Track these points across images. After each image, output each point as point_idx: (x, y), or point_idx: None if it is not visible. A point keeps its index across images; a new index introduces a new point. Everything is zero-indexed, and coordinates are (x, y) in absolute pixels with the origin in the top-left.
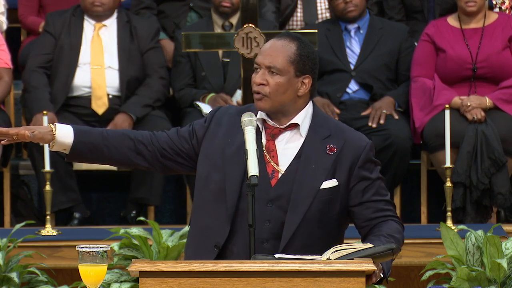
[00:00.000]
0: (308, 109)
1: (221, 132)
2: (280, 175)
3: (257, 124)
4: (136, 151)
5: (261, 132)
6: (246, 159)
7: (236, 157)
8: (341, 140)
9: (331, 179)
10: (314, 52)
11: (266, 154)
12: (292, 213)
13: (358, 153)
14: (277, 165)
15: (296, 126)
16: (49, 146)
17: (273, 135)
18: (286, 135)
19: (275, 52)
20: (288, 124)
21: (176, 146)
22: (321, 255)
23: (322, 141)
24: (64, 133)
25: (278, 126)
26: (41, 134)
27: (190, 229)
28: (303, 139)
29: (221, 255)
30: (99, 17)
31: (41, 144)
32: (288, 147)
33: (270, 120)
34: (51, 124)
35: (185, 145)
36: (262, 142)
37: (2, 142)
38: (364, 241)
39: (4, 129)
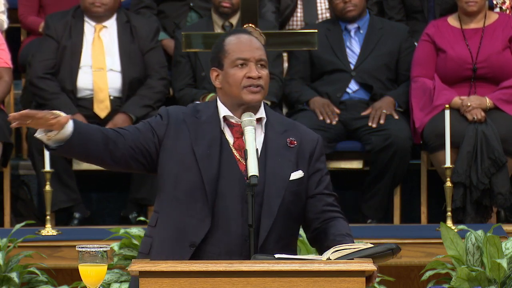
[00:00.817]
0: (262, 105)
1: (185, 131)
2: None
3: (220, 123)
4: (106, 148)
5: (223, 130)
6: (246, 159)
7: (208, 156)
8: (298, 134)
9: (296, 170)
10: None
11: (235, 152)
12: (267, 208)
13: (313, 146)
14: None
15: (258, 121)
16: (48, 137)
17: (242, 132)
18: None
19: (258, 46)
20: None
21: (141, 144)
22: (291, 247)
23: (281, 135)
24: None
25: None
26: (63, 119)
27: (157, 227)
28: (263, 134)
29: (196, 254)
30: (99, 18)
31: (43, 132)
32: (254, 144)
33: (235, 118)
34: (59, 112)
35: (149, 143)
36: (228, 141)
37: (13, 125)
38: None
39: (32, 112)
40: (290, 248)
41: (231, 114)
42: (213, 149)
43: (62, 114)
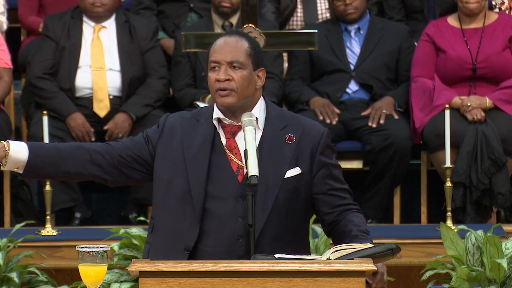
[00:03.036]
0: (262, 102)
1: (177, 136)
2: (245, 170)
3: (214, 125)
4: (92, 161)
5: (218, 132)
6: (246, 159)
7: (197, 159)
8: (299, 128)
9: (294, 167)
10: (260, 46)
11: (228, 152)
12: (261, 206)
13: (317, 139)
14: (241, 161)
15: None
16: (0, 165)
17: (233, 132)
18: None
19: (233, 47)
20: None
21: (133, 152)
22: (290, 246)
23: (280, 132)
24: (18, 149)
25: (236, 124)
26: None
27: (154, 233)
28: (261, 132)
29: (192, 257)
30: (99, 18)
31: None
32: (247, 141)
33: (227, 119)
34: (2, 141)
35: (142, 151)
36: (222, 142)
37: None
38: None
39: None
40: (290, 247)
41: (222, 116)
42: (203, 151)
43: (7, 142)
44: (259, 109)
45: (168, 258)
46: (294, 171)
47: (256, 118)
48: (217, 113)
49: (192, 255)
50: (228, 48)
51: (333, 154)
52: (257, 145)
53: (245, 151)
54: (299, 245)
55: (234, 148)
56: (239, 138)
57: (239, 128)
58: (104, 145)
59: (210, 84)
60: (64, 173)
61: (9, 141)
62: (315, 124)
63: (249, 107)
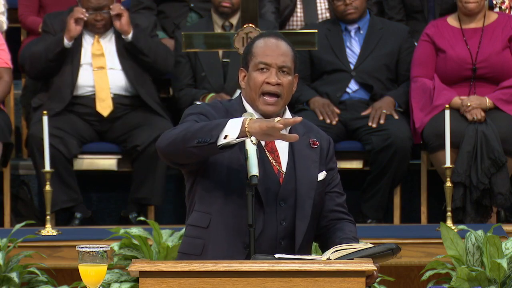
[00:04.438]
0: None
1: None
2: (284, 174)
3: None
4: None
5: None
6: (246, 159)
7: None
8: (317, 134)
9: (321, 171)
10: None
11: (268, 155)
12: (301, 210)
13: (327, 146)
14: (280, 164)
15: None
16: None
17: None
18: None
19: (284, 51)
20: None
21: None
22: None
23: (303, 137)
24: None
25: None
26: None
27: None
28: None
29: (248, 256)
30: (98, 33)
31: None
32: (280, 146)
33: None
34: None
35: None
36: (261, 143)
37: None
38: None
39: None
40: (311, 247)
41: (259, 116)
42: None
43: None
44: (289, 113)
45: (227, 254)
46: (322, 175)
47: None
48: (255, 113)
49: (248, 253)
50: (279, 52)
51: (335, 160)
52: (288, 149)
53: (245, 151)
54: (311, 245)
55: (275, 151)
56: (277, 141)
57: None
58: None
59: (255, 84)
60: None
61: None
62: (322, 131)
63: (283, 112)
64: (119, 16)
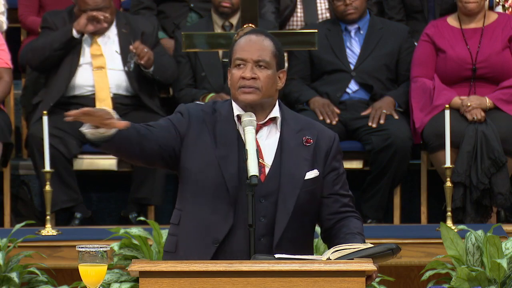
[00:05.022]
0: (277, 104)
1: (204, 130)
2: (267, 170)
3: (235, 122)
4: (140, 145)
5: (238, 129)
6: (246, 159)
7: (227, 156)
8: (314, 132)
9: (312, 169)
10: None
11: None
12: (282, 207)
13: (330, 144)
14: (263, 160)
15: (272, 120)
16: (96, 133)
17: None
18: (264, 130)
19: (260, 46)
20: (267, 119)
21: (168, 141)
22: (304, 247)
23: (297, 134)
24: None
25: (257, 122)
26: (117, 122)
27: (184, 225)
28: (279, 133)
29: (218, 252)
30: (99, 33)
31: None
32: (268, 142)
33: None
34: (107, 109)
35: (173, 141)
36: (243, 140)
37: (68, 119)
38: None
39: (91, 110)
40: (306, 247)
41: (243, 113)
42: (231, 148)
43: (115, 115)
44: (277, 110)
45: (196, 250)
46: (313, 173)
47: (276, 118)
48: (237, 110)
49: (220, 250)
50: (255, 47)
51: (342, 160)
52: (276, 146)
53: (245, 151)
54: (310, 245)
55: (257, 147)
56: (260, 137)
57: (260, 127)
58: (146, 130)
59: (233, 80)
60: (122, 152)
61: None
62: (327, 129)
63: (269, 107)
64: (143, 56)
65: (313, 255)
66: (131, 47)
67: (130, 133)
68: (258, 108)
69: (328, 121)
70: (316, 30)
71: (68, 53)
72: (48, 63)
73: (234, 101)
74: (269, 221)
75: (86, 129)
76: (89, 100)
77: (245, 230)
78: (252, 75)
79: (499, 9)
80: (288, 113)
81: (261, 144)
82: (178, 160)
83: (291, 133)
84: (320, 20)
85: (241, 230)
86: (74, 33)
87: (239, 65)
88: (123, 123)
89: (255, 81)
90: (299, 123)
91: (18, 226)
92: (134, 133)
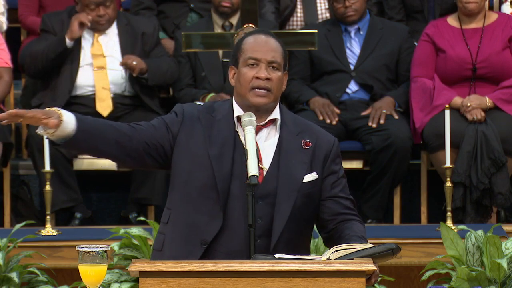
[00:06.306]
0: (278, 106)
1: (198, 129)
2: (265, 172)
3: (233, 122)
4: (118, 142)
5: (237, 130)
6: (246, 159)
7: (221, 156)
8: (313, 135)
9: (310, 172)
10: None
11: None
12: (280, 209)
13: (329, 147)
14: (261, 162)
15: (272, 122)
16: (48, 134)
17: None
18: (264, 132)
19: (274, 47)
20: (267, 120)
21: (156, 140)
22: (301, 248)
23: (296, 137)
24: (69, 120)
25: (257, 124)
26: (54, 120)
27: (170, 224)
28: (278, 135)
29: (207, 252)
30: (100, 30)
31: (42, 130)
32: (267, 144)
33: None
34: (56, 109)
35: (164, 140)
36: (241, 141)
37: (3, 122)
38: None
39: (20, 112)
40: (302, 249)
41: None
42: (226, 148)
43: (61, 111)
44: (278, 112)
45: (183, 250)
46: (311, 176)
47: (276, 120)
48: (238, 111)
49: (208, 251)
50: (268, 47)
51: (341, 163)
52: (275, 148)
53: (245, 151)
54: (307, 247)
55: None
56: (259, 139)
57: (259, 128)
58: (130, 128)
59: (244, 79)
60: (93, 150)
61: (60, 109)
62: (327, 133)
63: (271, 109)
64: (133, 69)
65: (306, 254)
66: (119, 63)
67: (100, 131)
68: (262, 110)
69: (328, 121)
70: (316, 30)
71: (65, 60)
72: (45, 72)
73: (238, 99)
74: (266, 223)
75: (39, 131)
76: (89, 100)
77: (236, 231)
78: (267, 76)
79: (507, 6)
80: (288, 116)
81: (260, 145)
82: (169, 160)
83: (290, 136)
84: (320, 20)
85: (230, 231)
86: (68, 42)
87: (252, 64)
88: (54, 122)
89: (269, 82)
90: (299, 126)
91: (18, 226)
92: (109, 130)
